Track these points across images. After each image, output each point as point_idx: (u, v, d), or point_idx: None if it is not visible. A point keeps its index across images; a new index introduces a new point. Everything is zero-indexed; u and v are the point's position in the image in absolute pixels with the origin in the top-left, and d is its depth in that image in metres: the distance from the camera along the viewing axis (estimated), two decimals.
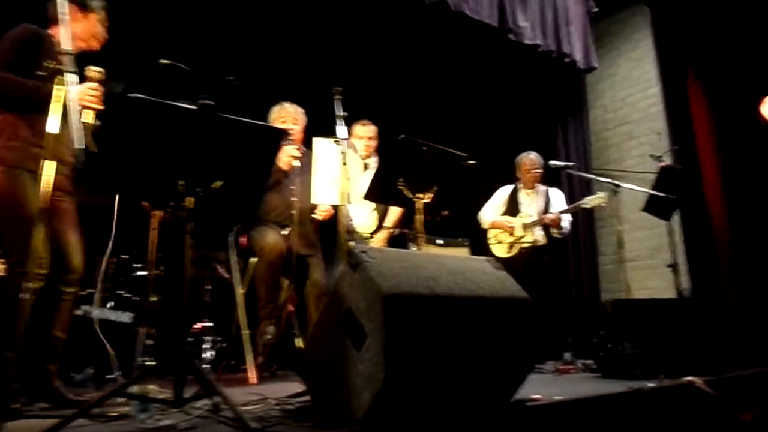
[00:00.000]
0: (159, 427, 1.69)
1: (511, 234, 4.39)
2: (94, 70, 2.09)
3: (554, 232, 4.31)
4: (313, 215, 3.34)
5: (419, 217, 2.76)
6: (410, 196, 2.74)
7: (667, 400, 2.42)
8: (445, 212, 3.16)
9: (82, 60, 2.19)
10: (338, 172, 2.59)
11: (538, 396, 2.07)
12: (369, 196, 2.71)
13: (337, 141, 2.60)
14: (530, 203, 4.46)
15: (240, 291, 3.24)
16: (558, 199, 4.47)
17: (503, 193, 4.60)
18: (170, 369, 1.73)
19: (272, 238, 3.10)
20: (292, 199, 3.30)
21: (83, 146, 1.87)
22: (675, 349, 2.97)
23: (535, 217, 4.33)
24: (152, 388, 1.87)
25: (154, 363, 3.04)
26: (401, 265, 1.79)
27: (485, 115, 5.74)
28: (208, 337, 3.83)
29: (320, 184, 2.73)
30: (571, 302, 5.12)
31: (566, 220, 4.31)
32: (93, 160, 1.96)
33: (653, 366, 2.89)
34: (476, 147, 5.47)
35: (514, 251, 4.40)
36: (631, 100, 5.86)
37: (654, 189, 3.72)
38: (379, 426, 1.59)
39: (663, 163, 3.79)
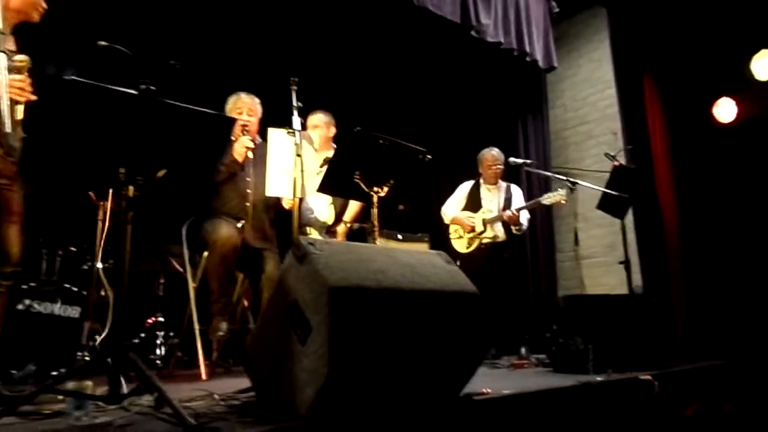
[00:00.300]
0: (94, 424, 1.62)
1: (472, 230, 4.42)
2: (19, 60, 1.98)
3: (513, 228, 4.36)
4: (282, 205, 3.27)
5: (375, 211, 2.74)
6: (366, 189, 2.71)
7: (615, 394, 2.46)
8: (402, 206, 3.14)
9: (24, 32, 2.09)
10: (292, 164, 2.53)
11: (488, 390, 2.08)
12: (323, 188, 2.67)
13: (291, 132, 2.55)
14: (491, 199, 4.50)
15: (192, 285, 3.16)
16: (518, 195, 4.53)
17: (465, 188, 4.64)
18: (105, 364, 1.67)
19: (225, 230, 3.03)
20: (247, 191, 3.23)
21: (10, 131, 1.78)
22: (624, 344, 3.03)
23: (495, 213, 4.37)
24: (89, 385, 1.79)
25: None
26: (349, 258, 1.76)
27: (447, 111, 5.76)
28: (161, 333, 3.74)
29: (274, 175, 2.67)
30: (528, 298, 5.18)
31: (524, 217, 4.36)
32: (29, 146, 1.87)
33: (604, 361, 2.94)
34: (438, 142, 5.51)
35: (474, 246, 4.43)
36: (591, 100, 5.97)
37: (607, 187, 3.78)
38: (323, 421, 1.56)
39: (616, 163, 3.86)
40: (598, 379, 2.45)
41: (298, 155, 2.46)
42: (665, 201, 4.01)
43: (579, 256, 4.13)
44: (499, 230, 4.39)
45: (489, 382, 2.38)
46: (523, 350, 4.37)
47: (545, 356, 3.46)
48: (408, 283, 1.80)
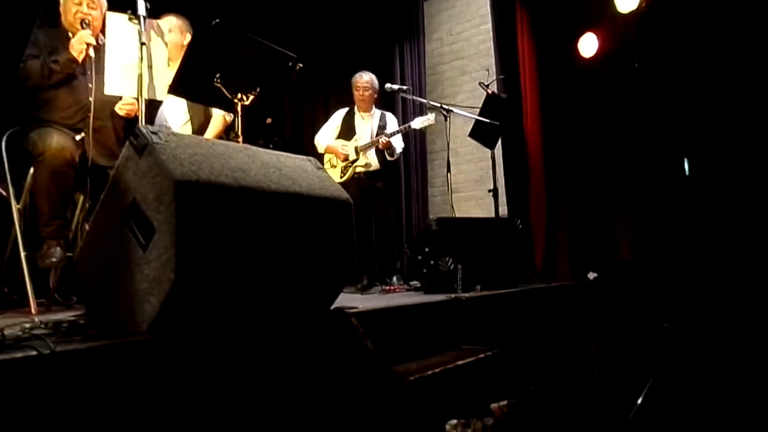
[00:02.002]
0: None
1: (345, 159, 4.27)
2: None
3: (387, 155, 4.27)
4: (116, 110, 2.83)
5: (239, 121, 2.46)
6: (229, 96, 2.41)
7: (485, 309, 2.49)
8: (269, 120, 2.87)
9: None
10: (136, 57, 2.15)
11: (357, 306, 1.98)
12: (176, 89, 2.31)
13: (133, 18, 2.15)
14: (365, 126, 4.36)
15: (15, 206, 2.67)
16: (393, 123, 4.43)
17: (339, 116, 4.45)
18: None
19: (57, 141, 2.56)
20: (89, 98, 2.74)
21: None
22: (490, 264, 3.11)
23: (368, 140, 4.25)
24: None
25: None
26: (202, 152, 1.50)
27: (321, 31, 5.41)
28: None
29: (112, 70, 2.26)
30: (400, 229, 5.21)
31: (398, 143, 4.29)
32: None
33: (472, 280, 2.99)
34: (311, 66, 5.19)
35: (348, 175, 4.30)
36: (465, 35, 5.98)
37: (479, 115, 3.80)
38: (169, 337, 1.34)
39: (489, 92, 3.88)
40: (466, 295, 2.46)
41: (143, 43, 2.07)
42: (531, 131, 4.14)
43: (451, 189, 4.16)
44: (372, 158, 4.28)
45: (359, 302, 2.30)
46: (394, 279, 4.40)
47: (417, 282, 3.48)
48: (271, 183, 1.59)
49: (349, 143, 4.31)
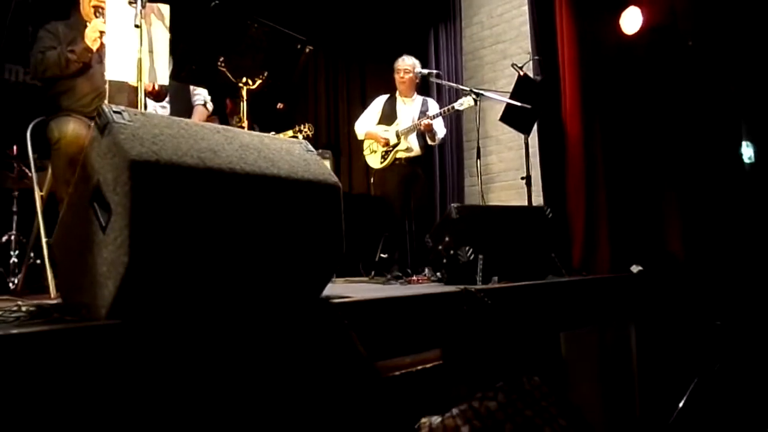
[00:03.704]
0: None
1: (386, 144, 4.17)
2: None
3: (428, 138, 4.15)
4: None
5: (244, 106, 2.41)
6: (233, 80, 2.36)
7: (496, 302, 2.34)
8: (280, 105, 2.81)
9: None
10: (136, 41, 2.13)
11: (351, 296, 1.88)
12: (177, 74, 2.29)
13: (133, 2, 2.12)
14: (407, 112, 4.25)
15: (39, 194, 2.75)
16: (434, 109, 4.28)
17: (379, 102, 4.37)
18: None
19: (72, 128, 2.60)
20: (105, 86, 2.78)
21: None
22: (515, 255, 2.94)
23: (410, 124, 4.13)
24: None
25: None
26: (171, 132, 1.44)
27: (351, 18, 5.30)
28: (15, 252, 3.31)
29: (113, 55, 2.26)
30: (434, 218, 5.07)
31: (440, 127, 4.16)
32: None
33: (494, 271, 2.84)
34: (344, 51, 5.10)
35: (389, 161, 4.19)
36: (507, 17, 5.74)
37: (510, 98, 3.60)
38: (128, 323, 1.29)
39: (521, 73, 3.67)
40: (475, 287, 2.31)
41: (137, 26, 2.05)
42: (570, 114, 3.89)
43: (481, 177, 3.99)
44: (413, 143, 4.16)
45: (367, 293, 2.20)
46: (426, 270, 4.27)
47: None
48: (245, 165, 1.52)
49: (390, 128, 4.21)
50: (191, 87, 3.79)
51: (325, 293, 2.00)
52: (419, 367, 1.62)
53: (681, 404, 3.20)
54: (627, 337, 3.32)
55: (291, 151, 1.76)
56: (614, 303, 3.27)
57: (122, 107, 1.44)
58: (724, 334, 3.55)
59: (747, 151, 4.61)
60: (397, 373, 1.60)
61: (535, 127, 4.25)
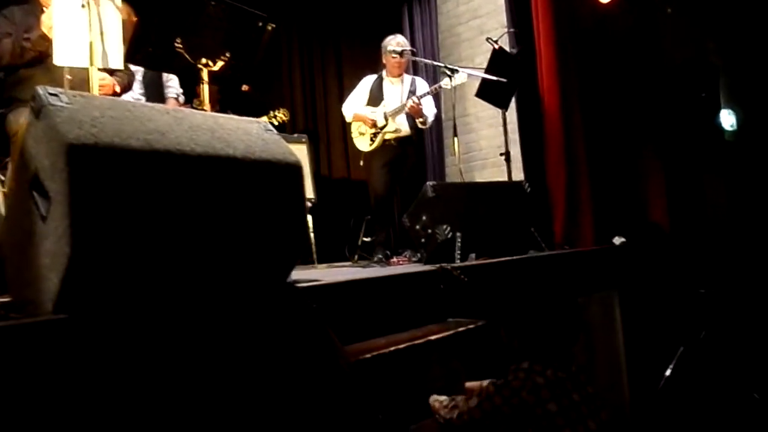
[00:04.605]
0: None
1: (373, 125, 4.06)
2: None
3: (418, 121, 4.04)
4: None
5: (205, 88, 2.32)
6: (192, 61, 2.27)
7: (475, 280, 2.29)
8: (245, 87, 2.73)
9: None
10: (85, 24, 2.03)
11: (319, 279, 1.82)
12: (132, 57, 2.19)
13: None
14: (394, 92, 4.12)
15: (1, 190, 2.65)
16: (423, 88, 4.16)
17: (367, 83, 4.23)
18: None
19: None
20: (66, 77, 2.67)
21: None
22: (493, 231, 2.89)
23: (397, 105, 4.03)
24: None
25: None
26: (114, 114, 1.36)
27: None
28: None
29: (60, 39, 2.16)
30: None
31: (429, 108, 4.04)
32: None
33: (472, 249, 2.79)
34: (315, 29, 4.96)
35: (378, 143, 4.09)
36: None
37: (486, 72, 3.53)
38: (74, 318, 1.22)
39: (496, 47, 3.60)
40: (451, 265, 2.26)
41: (83, 6, 1.95)
42: (548, 86, 3.81)
43: (459, 155, 3.92)
44: (402, 123, 4.05)
45: (342, 276, 2.15)
46: (408, 252, 4.21)
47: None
48: (196, 147, 1.44)
49: (377, 109, 4.10)
50: (164, 79, 3.69)
51: (297, 278, 1.95)
52: (392, 348, 1.56)
53: (668, 372, 3.20)
54: (611, 308, 3.29)
55: (248, 131, 1.68)
56: (597, 275, 3.24)
57: (60, 89, 1.36)
58: (709, 302, 3.54)
59: (729, 119, 4.57)
60: (368, 355, 1.55)
61: (514, 102, 4.18)
